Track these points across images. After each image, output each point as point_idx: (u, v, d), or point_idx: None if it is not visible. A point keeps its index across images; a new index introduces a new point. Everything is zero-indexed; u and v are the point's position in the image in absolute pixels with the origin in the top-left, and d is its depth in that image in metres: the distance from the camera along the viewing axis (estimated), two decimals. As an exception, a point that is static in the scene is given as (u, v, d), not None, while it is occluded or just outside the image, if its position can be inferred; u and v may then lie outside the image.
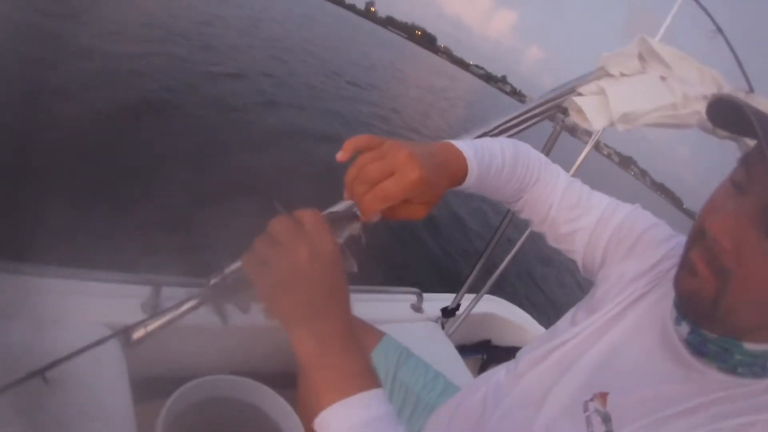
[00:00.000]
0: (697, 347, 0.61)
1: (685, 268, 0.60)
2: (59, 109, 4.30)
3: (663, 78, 1.35)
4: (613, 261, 0.84)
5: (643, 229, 0.82)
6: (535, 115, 1.20)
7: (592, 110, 1.23)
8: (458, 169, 0.72)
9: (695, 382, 0.61)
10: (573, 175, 1.22)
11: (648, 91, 1.31)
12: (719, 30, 1.36)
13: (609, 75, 1.32)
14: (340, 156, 0.62)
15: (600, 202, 0.88)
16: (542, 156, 0.93)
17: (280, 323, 0.53)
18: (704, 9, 1.37)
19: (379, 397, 0.52)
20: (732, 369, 0.58)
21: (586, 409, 0.68)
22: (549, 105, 1.23)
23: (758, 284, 0.52)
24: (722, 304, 0.55)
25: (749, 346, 0.56)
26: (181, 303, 0.99)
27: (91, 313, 1.11)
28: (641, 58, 1.36)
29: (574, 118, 1.25)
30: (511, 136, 1.18)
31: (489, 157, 0.79)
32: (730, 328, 0.57)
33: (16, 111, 3.91)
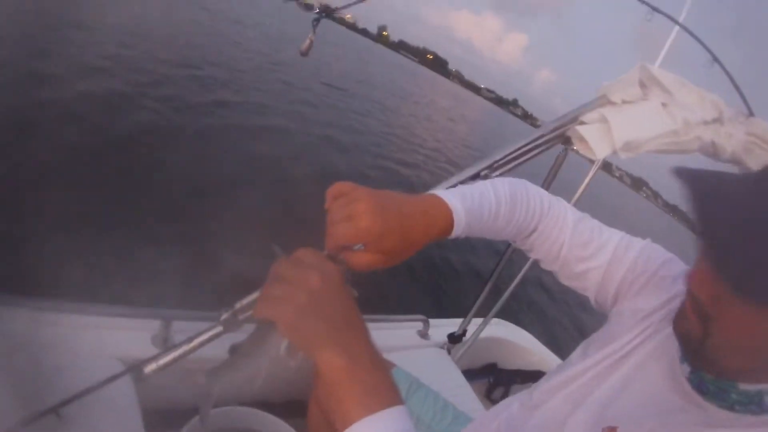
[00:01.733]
0: (698, 385, 0.64)
1: (680, 310, 0.64)
2: (55, 140, 4.35)
3: (664, 104, 1.36)
4: (626, 297, 0.84)
5: (656, 266, 0.83)
6: (539, 145, 1.21)
7: (595, 139, 1.24)
8: (440, 219, 0.73)
9: (699, 417, 0.63)
10: (577, 201, 1.23)
11: (650, 119, 1.33)
12: (715, 59, 1.38)
13: (611, 102, 1.33)
14: (326, 204, 0.66)
15: (611, 238, 0.88)
16: (544, 193, 0.93)
17: (306, 352, 0.54)
18: (699, 40, 1.40)
19: (405, 413, 0.53)
20: (730, 407, 0.60)
21: None
22: (553, 134, 1.24)
23: (737, 331, 0.56)
24: (708, 346, 0.59)
25: (744, 386, 0.59)
26: (192, 338, 1.01)
27: (104, 347, 1.12)
28: (642, 84, 1.38)
29: (577, 146, 1.27)
30: (516, 166, 1.20)
31: (479, 203, 0.79)
32: (721, 369, 0.60)
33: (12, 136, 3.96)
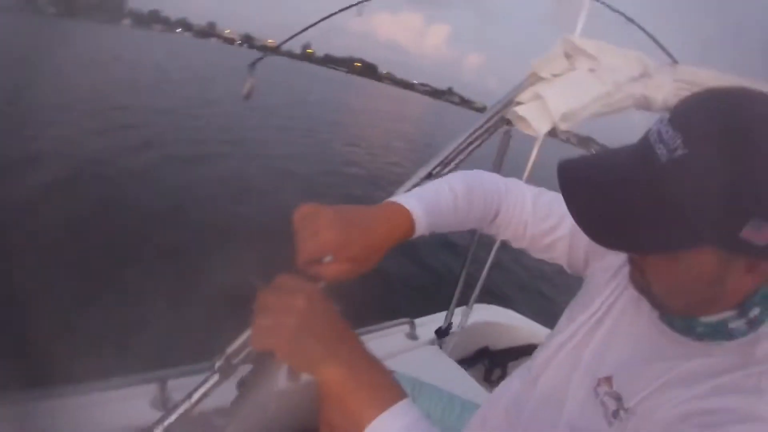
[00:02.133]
0: (670, 325, 0.70)
1: (629, 268, 0.71)
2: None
3: (592, 70, 1.42)
4: (595, 258, 0.90)
5: None
6: (482, 134, 1.24)
7: (534, 117, 1.29)
8: (401, 222, 0.78)
9: (681, 351, 0.67)
10: (529, 177, 1.28)
11: (581, 87, 1.38)
12: (629, 19, 1.44)
13: (541, 79, 1.38)
14: (294, 226, 0.71)
15: None
16: (499, 178, 0.97)
17: (306, 371, 0.56)
18: (608, 5, 1.46)
19: (411, 404, 0.55)
20: (701, 338, 0.66)
21: (597, 395, 0.74)
22: (493, 120, 1.28)
23: (663, 276, 0.63)
24: (655, 293, 0.66)
25: (705, 318, 0.63)
26: (191, 393, 1.00)
27: (106, 424, 1.12)
28: (568, 56, 1.43)
29: (518, 126, 1.31)
30: (466, 157, 1.23)
31: (436, 200, 0.84)
32: (674, 309, 0.67)
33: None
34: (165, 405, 1.20)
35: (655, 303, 0.69)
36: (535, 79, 1.37)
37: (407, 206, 0.79)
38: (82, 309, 2.98)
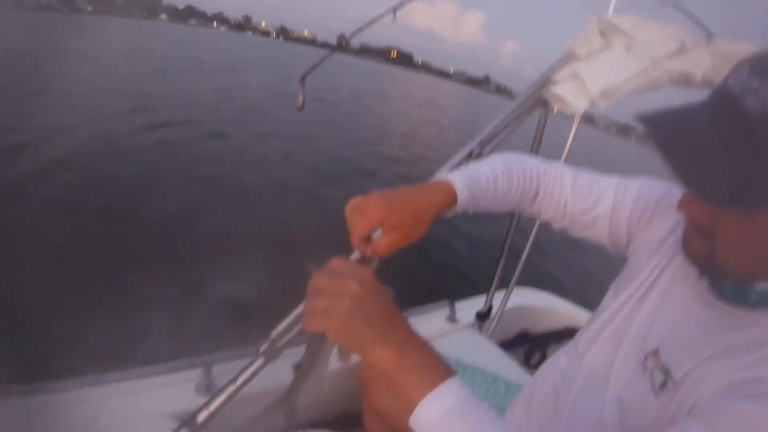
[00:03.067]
0: (720, 295, 0.70)
1: (684, 236, 0.71)
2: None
3: (628, 48, 1.41)
4: (637, 233, 0.90)
5: (657, 198, 0.89)
6: (519, 115, 1.25)
7: (572, 96, 1.29)
8: (443, 192, 0.85)
9: (728, 321, 0.68)
10: (567, 159, 1.30)
11: (617, 64, 1.37)
12: (666, -6, 1.42)
13: (577, 58, 1.38)
14: (346, 214, 0.79)
15: (609, 185, 0.95)
16: (538, 160, 1.00)
17: (357, 352, 0.58)
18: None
19: (459, 382, 0.57)
20: (754, 307, 0.66)
21: (645, 369, 0.75)
22: (530, 102, 1.28)
23: (738, 239, 0.61)
24: (718, 260, 0.64)
25: (760, 286, 0.63)
26: (236, 377, 1.04)
27: (152, 408, 1.15)
28: (603, 34, 1.42)
29: (556, 106, 1.31)
30: (504, 139, 1.24)
31: (476, 175, 0.90)
32: (735, 277, 0.65)
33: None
34: (210, 390, 1.23)
35: (714, 270, 0.68)
36: (570, 58, 1.37)
37: (452, 180, 0.86)
38: (104, 303, 3.09)
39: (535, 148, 1.46)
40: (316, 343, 0.65)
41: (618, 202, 0.92)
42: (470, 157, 1.15)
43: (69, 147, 6.41)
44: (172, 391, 1.22)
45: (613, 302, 0.89)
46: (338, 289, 0.59)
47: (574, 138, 1.46)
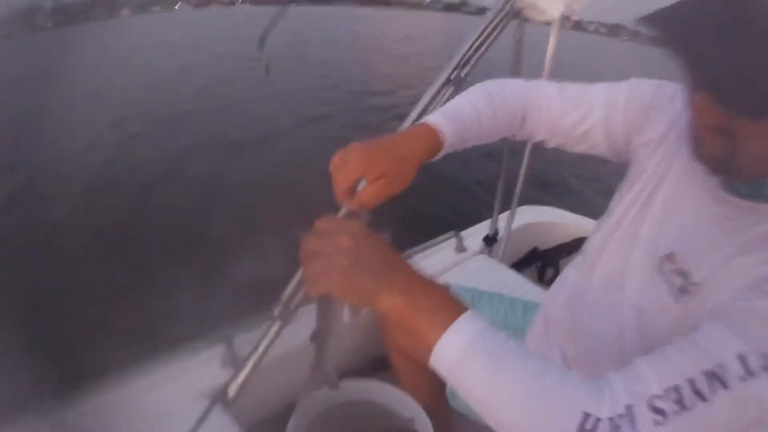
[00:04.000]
0: (732, 191, 0.68)
1: (696, 140, 0.67)
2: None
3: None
4: (635, 136, 0.88)
5: (649, 97, 0.86)
6: (493, 30, 1.20)
7: (545, 1, 1.24)
8: (426, 135, 0.81)
9: (743, 217, 0.67)
10: (549, 72, 1.27)
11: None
12: None
13: (546, -40, 1.32)
14: (330, 169, 0.75)
15: (598, 92, 0.91)
16: (519, 81, 0.96)
17: (367, 304, 0.58)
18: None
19: (473, 316, 0.57)
20: (766, 200, 0.65)
21: (661, 273, 0.74)
22: (502, 13, 1.23)
23: (760, 142, 0.59)
24: (736, 161, 0.62)
25: None
26: (258, 344, 1.06)
27: (183, 390, 1.17)
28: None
29: (530, 15, 1.27)
30: (481, 57, 1.20)
31: (458, 113, 0.86)
32: (752, 176, 0.64)
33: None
34: (235, 362, 1.23)
35: (730, 170, 0.66)
36: (539, -39, 1.31)
37: (429, 120, 0.83)
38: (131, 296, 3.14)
39: (515, 66, 1.41)
40: (324, 305, 0.65)
41: (609, 107, 0.89)
42: (448, 82, 1.12)
43: (85, 141, 6.40)
44: (198, 370, 1.23)
45: (618, 207, 0.88)
46: (330, 248, 0.57)
47: (555, 49, 1.40)
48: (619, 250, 0.85)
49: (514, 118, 0.93)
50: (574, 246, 2.19)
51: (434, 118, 0.83)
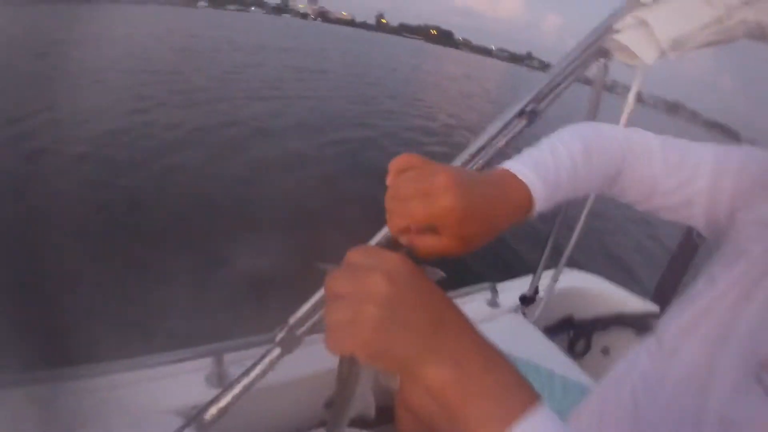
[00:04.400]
0: None
1: None
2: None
3: (698, -7, 1.23)
4: (744, 209, 0.73)
5: (766, 168, 0.71)
6: (576, 68, 1.09)
7: (638, 44, 1.12)
8: (520, 203, 0.64)
9: None
10: (627, 120, 1.12)
11: (689, 12, 1.20)
12: None
13: (641, 4, 1.21)
14: (389, 179, 0.57)
15: (705, 153, 0.77)
16: (617, 129, 0.81)
17: (403, 374, 0.42)
18: None
19: (551, 411, 0.41)
20: None
21: (759, 381, 0.58)
22: (588, 52, 1.12)
23: None
24: None
25: None
26: (250, 368, 0.94)
27: (157, 402, 1.06)
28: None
29: (619, 58, 1.15)
30: (556, 97, 1.08)
31: (556, 171, 0.69)
32: None
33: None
34: (221, 381, 1.13)
35: None
36: (633, 3, 1.20)
37: (526, 181, 0.64)
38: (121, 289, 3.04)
39: (592, 108, 1.29)
40: (345, 367, 0.49)
41: (719, 173, 0.74)
42: (522, 114, 1.00)
43: (102, 128, 6.52)
44: (180, 382, 1.12)
45: (709, 291, 0.71)
46: (360, 290, 0.43)
47: (636, 96, 1.28)
48: (706, 344, 0.68)
49: (608, 174, 0.78)
50: (612, 321, 2.03)
51: (531, 181, 0.65)
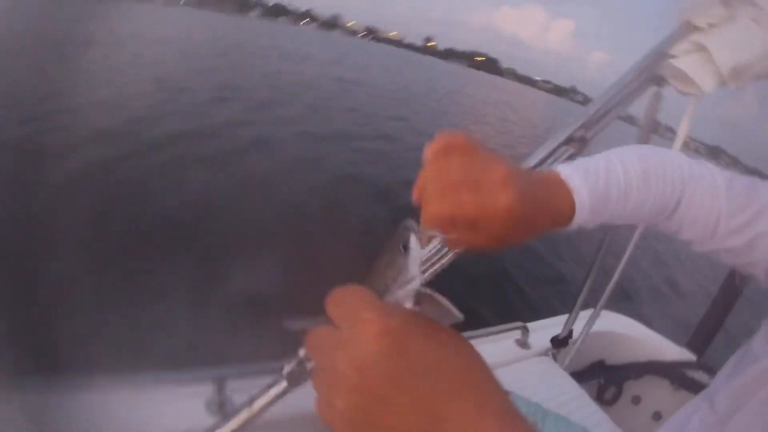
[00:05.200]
0: None
1: None
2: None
3: (756, 21, 1.15)
4: None
5: None
6: (628, 95, 1.01)
7: (696, 71, 1.04)
8: (563, 206, 0.58)
9: None
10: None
11: (747, 40, 1.12)
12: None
13: (697, 29, 1.13)
14: (430, 156, 0.48)
15: None
16: (681, 157, 0.73)
17: None
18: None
19: None
20: None
21: None
22: (640, 79, 1.03)
23: None
24: None
25: None
26: (253, 399, 0.87)
27: (153, 422, 1.01)
28: (725, 2, 1.17)
29: (674, 84, 1.06)
30: (604, 126, 1.00)
31: (606, 182, 0.61)
32: None
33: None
34: (222, 409, 1.07)
35: None
36: (689, 28, 1.12)
37: (573, 186, 0.58)
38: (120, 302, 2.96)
39: (643, 138, 1.19)
40: None
41: None
42: (571, 141, 0.91)
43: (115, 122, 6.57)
44: (179, 405, 1.07)
45: None
46: (331, 370, 0.34)
47: (688, 127, 1.18)
48: (764, 412, 0.61)
49: (667, 203, 0.68)
50: (645, 369, 1.91)
51: (578, 187, 0.59)
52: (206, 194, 4.90)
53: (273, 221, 4.49)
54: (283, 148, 7.15)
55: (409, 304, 0.37)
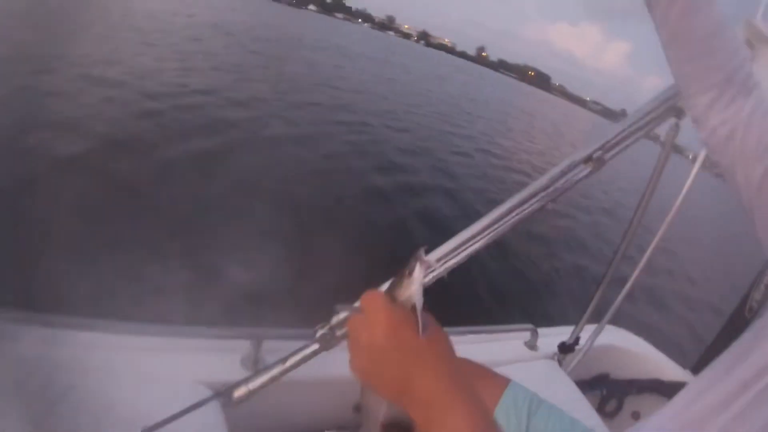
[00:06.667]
0: None
1: None
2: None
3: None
4: None
5: None
6: (648, 122, 1.09)
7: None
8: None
9: None
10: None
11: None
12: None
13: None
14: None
15: None
16: None
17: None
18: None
19: None
20: None
21: None
22: (660, 109, 1.11)
23: None
24: None
25: None
26: (286, 357, 0.96)
27: (190, 371, 1.10)
28: (750, 43, 1.23)
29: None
30: (623, 149, 1.08)
31: None
32: None
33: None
34: (256, 365, 1.18)
35: None
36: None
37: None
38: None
39: (660, 165, 1.28)
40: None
41: None
42: (589, 161, 1.00)
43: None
44: (215, 358, 1.17)
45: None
46: (358, 338, 0.56)
47: (697, 170, 1.27)
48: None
49: None
50: (647, 386, 1.97)
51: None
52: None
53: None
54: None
55: (408, 308, 0.56)
